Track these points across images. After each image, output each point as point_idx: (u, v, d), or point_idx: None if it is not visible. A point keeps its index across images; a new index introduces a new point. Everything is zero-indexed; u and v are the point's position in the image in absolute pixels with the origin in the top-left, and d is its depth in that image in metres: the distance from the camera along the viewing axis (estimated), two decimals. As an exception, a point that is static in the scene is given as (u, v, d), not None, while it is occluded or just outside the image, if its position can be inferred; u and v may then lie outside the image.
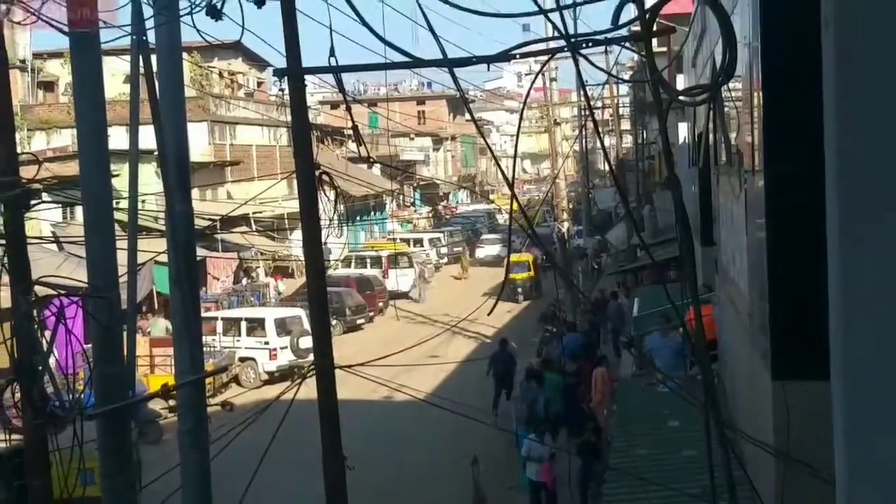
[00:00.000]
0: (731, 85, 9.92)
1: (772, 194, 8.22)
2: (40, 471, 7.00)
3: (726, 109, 11.74)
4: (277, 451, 9.52)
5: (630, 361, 21.31)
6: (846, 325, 2.48)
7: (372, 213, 66.56)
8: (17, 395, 6.82)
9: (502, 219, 71.63)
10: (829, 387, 2.54)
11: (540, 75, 37.99)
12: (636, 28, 6.02)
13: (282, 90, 9.59)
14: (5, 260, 6.84)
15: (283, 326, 32.49)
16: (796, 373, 7.71)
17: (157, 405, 23.58)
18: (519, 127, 8.53)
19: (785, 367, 8.01)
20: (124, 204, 8.23)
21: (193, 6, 7.41)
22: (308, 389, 9.43)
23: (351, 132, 10.12)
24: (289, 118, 9.45)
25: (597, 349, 26.15)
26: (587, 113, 45.21)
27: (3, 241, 6.92)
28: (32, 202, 7.01)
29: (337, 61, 8.17)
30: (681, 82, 25.86)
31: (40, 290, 6.98)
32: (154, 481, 9.56)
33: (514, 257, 41.91)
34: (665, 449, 13.23)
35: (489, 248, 58.47)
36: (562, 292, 34.14)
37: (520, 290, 44.37)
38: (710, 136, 15.99)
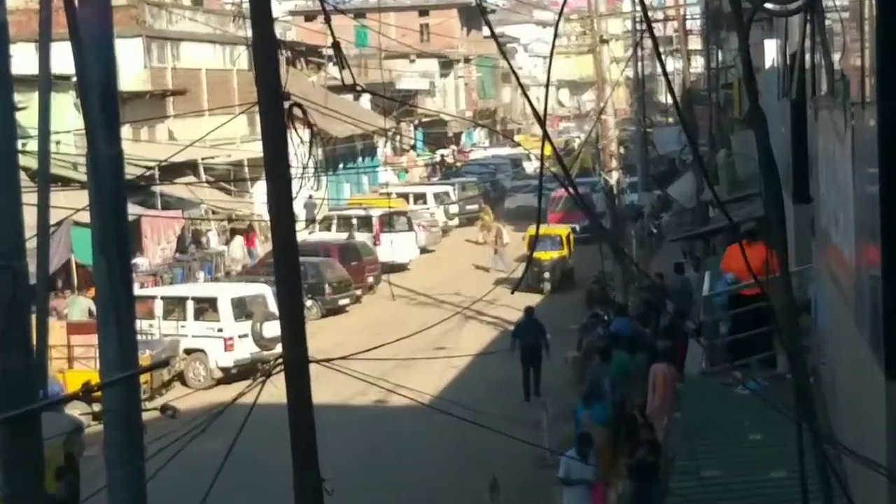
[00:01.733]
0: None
1: (887, 134, 8.18)
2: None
3: (828, 22, 11.69)
4: (235, 469, 9.56)
5: (699, 355, 21.31)
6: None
7: (360, 159, 66.53)
8: None
9: (531, 167, 71.64)
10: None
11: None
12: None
13: (240, -5, 9.58)
14: None
15: (241, 308, 32.56)
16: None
17: (76, 409, 23.66)
18: (553, 45, 8.51)
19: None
20: (33, 146, 8.23)
21: None
22: (275, 390, 9.45)
23: (331, 52, 10.09)
24: (249, 33, 9.43)
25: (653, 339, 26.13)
26: (644, 27, 45.00)
27: None
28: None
29: (313, -43, 8.16)
30: (768, -14, 25.73)
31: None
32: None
33: (543, 229, 40.44)
34: (743, 470, 13.29)
35: (521, 198, 58.37)
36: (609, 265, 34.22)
37: (546, 274, 42.08)
38: (807, 57, 15.93)
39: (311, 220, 43.47)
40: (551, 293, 41.22)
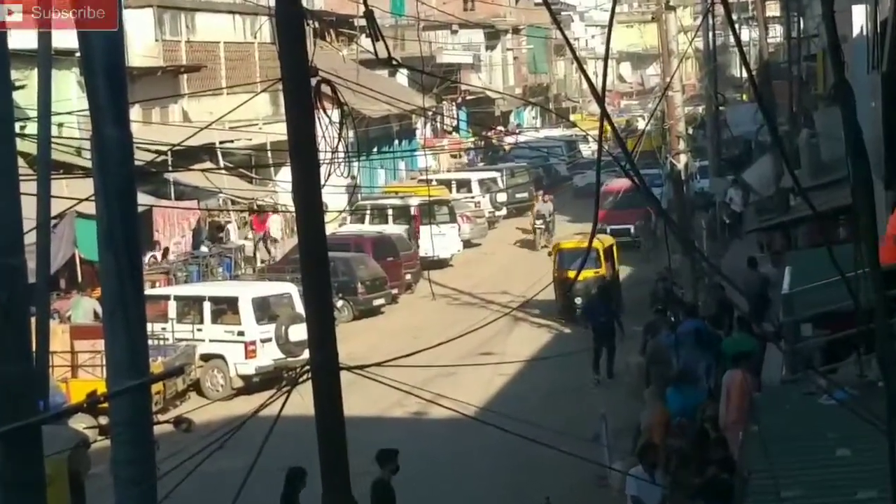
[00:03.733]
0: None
1: None
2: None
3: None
4: (257, 488, 9.61)
5: (779, 361, 21.27)
6: None
7: (396, 142, 66.61)
8: None
9: (589, 149, 71.51)
10: None
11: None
12: None
13: (262, -41, 9.61)
14: None
15: (265, 309, 32.66)
16: None
17: (81, 423, 23.82)
18: (612, 13, 8.51)
19: None
20: (32, 129, 8.29)
21: None
22: (302, 400, 9.50)
23: (364, 23, 10.12)
24: (272, 2, 9.47)
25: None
26: (715, -8, 44.90)
27: None
28: None
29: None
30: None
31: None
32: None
33: (575, 242, 38.46)
34: (829, 490, 13.25)
35: (592, 175, 57.85)
36: (677, 259, 34.10)
37: (579, 298, 36.07)
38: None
39: (351, 210, 43.68)
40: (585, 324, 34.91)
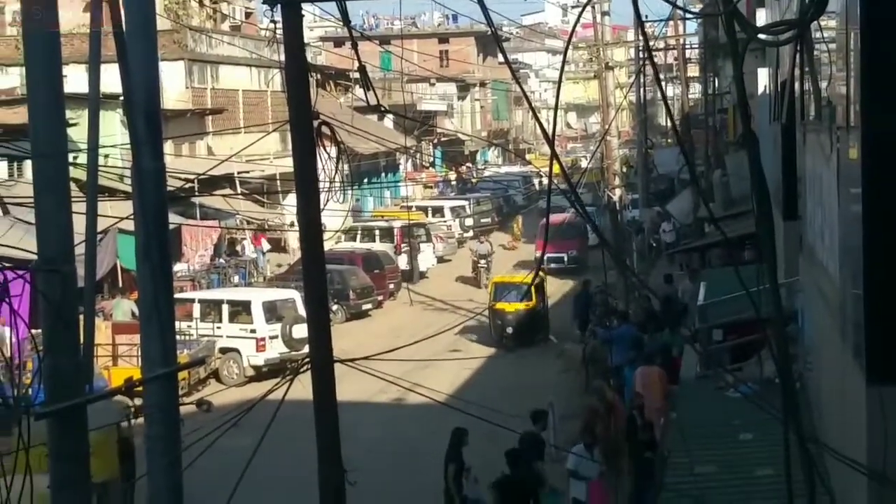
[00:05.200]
0: (822, 22, 9.86)
1: (870, 157, 8.17)
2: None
3: (816, 52, 11.67)
4: (264, 460, 9.57)
5: (694, 360, 21.28)
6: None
7: (383, 174, 66.58)
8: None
9: (541, 183, 71.55)
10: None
11: (589, 7, 37.86)
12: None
13: (274, 23, 9.60)
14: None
15: (273, 311, 32.62)
16: (896, 376, 7.70)
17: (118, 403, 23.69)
18: (562, 72, 8.51)
19: (883, 369, 7.98)
20: (82, 159, 8.26)
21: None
22: (302, 388, 9.46)
23: (358, 75, 10.11)
24: (282, 57, 9.45)
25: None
26: (646, 55, 45.02)
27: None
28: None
29: (341, -12, 8.16)
30: (761, 18, 25.74)
31: (-21, 263, 7.03)
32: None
33: (508, 277, 38.07)
34: (734, 467, 13.26)
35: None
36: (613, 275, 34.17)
37: (510, 329, 34.34)
38: (797, 85, 15.91)
39: (336, 231, 43.55)
40: (515, 349, 34.00)
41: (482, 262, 45.30)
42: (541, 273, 35.59)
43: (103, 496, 16.40)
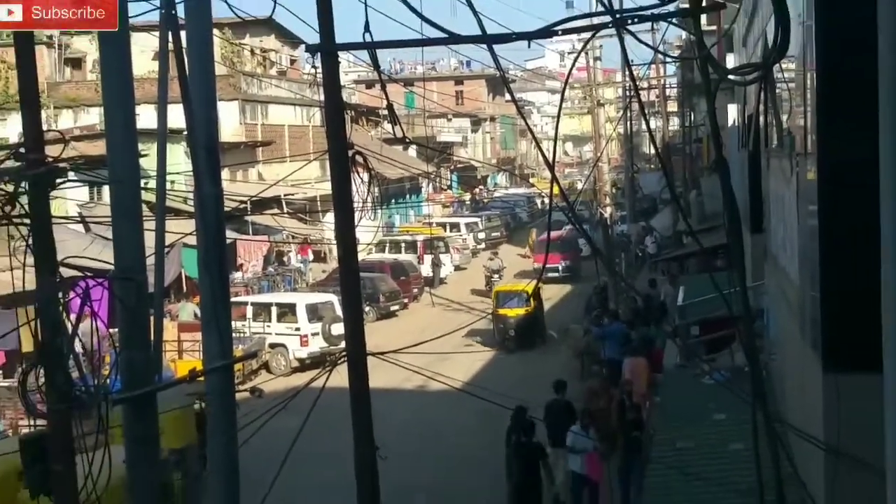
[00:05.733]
0: (783, 65, 9.84)
1: (824, 179, 8.15)
2: (63, 457, 7.07)
3: (778, 90, 11.65)
4: (307, 439, 9.57)
5: (675, 352, 21.22)
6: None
7: (407, 196, 66.63)
8: (42, 380, 6.89)
9: (542, 202, 71.47)
10: (882, 379, 2.51)
11: (583, 53, 37.78)
12: (684, 4, 5.97)
13: (315, 68, 9.60)
14: (30, 240, 6.90)
15: (314, 312, 32.64)
16: (848, 365, 7.66)
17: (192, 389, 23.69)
18: (560, 108, 8.51)
19: (837, 359, 7.95)
20: (152, 184, 8.28)
21: (224, -20, 7.42)
22: (340, 377, 9.45)
23: (386, 112, 10.12)
24: (322, 97, 9.45)
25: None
26: (632, 94, 44.93)
27: (27, 221, 6.98)
28: (58, 181, 7.07)
29: (372, 37, 8.17)
30: (731, 61, 25.66)
31: (66, 272, 7.04)
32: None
33: (509, 286, 36.04)
34: (710, 443, 13.21)
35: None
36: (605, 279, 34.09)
37: (512, 332, 33.06)
38: (761, 118, 15.87)
39: (368, 244, 43.48)
40: (516, 350, 32.76)
41: (495, 276, 44.98)
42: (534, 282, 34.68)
43: (181, 461, 16.38)
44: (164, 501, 8.19)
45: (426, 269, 46.54)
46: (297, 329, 32.22)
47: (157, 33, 7.67)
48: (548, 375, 27.32)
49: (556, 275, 45.19)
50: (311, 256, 47.38)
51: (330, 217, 13.86)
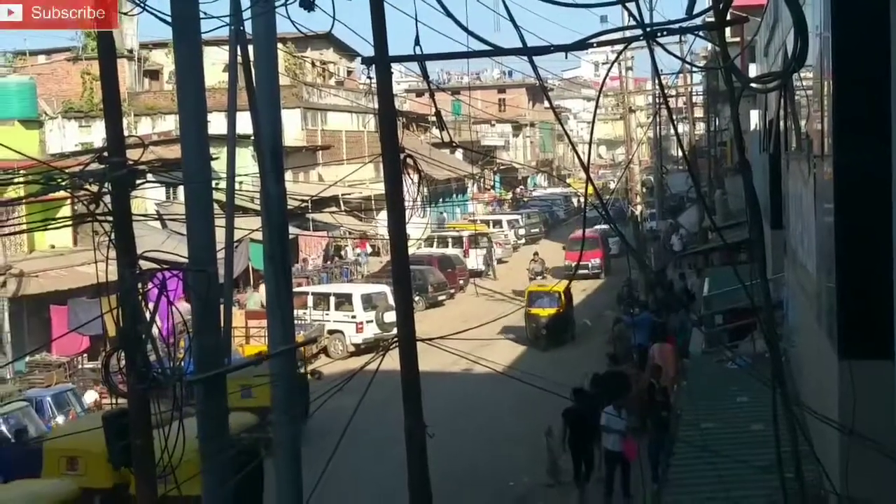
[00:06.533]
0: (801, 73, 9.73)
1: (840, 179, 8.08)
2: (143, 432, 7.16)
3: (797, 97, 11.53)
4: (362, 417, 9.61)
5: (700, 339, 21.08)
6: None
7: (454, 195, 66.64)
8: (123, 362, 6.97)
9: (577, 201, 71.22)
10: (892, 366, 2.49)
11: (616, 64, 37.56)
12: (710, 18, 5.93)
13: (370, 78, 9.62)
14: (112, 236, 6.98)
15: (369, 302, 32.76)
16: (862, 352, 7.58)
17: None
18: (595, 114, 8.48)
19: (851, 347, 7.88)
20: (223, 185, 8.34)
21: (288, -2, 7.48)
22: (392, 361, 9.48)
23: (434, 118, 10.16)
24: (376, 105, 9.48)
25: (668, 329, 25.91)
26: (661, 101, 44.56)
27: (110, 219, 7.07)
28: (138, 182, 7.17)
29: (422, 50, 8.18)
30: (753, 71, 25.42)
31: (144, 265, 7.12)
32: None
33: (541, 287, 34.60)
34: (733, 423, 13.12)
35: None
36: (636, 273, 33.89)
37: (543, 330, 31.77)
38: (781, 122, 15.71)
39: (418, 239, 43.46)
40: (547, 348, 31.21)
41: (537, 278, 44.69)
42: (565, 281, 32.97)
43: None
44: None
45: (471, 263, 46.46)
46: (353, 317, 32.36)
47: (227, 48, 7.73)
48: (577, 362, 27.35)
49: (586, 271, 44.80)
50: (369, 250, 47.55)
51: (383, 214, 13.90)
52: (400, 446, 9.65)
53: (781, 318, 16.20)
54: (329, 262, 44.03)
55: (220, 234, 7.49)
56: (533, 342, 31.83)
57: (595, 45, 6.38)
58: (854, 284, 7.94)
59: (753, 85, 6.94)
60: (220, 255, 7.50)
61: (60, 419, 22.04)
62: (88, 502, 14.01)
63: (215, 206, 7.47)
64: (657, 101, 51.24)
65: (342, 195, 43.25)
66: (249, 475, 12.99)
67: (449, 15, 6.95)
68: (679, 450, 13.20)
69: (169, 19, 7.01)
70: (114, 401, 17.99)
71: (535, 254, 47.28)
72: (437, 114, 9.83)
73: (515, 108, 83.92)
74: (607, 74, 8.90)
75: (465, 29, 6.59)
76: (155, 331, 7.02)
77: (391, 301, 29.60)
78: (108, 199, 7.22)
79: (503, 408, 23.38)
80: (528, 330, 32.36)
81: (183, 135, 7.32)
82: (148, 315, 6.92)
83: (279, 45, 8.45)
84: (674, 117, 18.91)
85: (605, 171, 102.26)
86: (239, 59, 7.71)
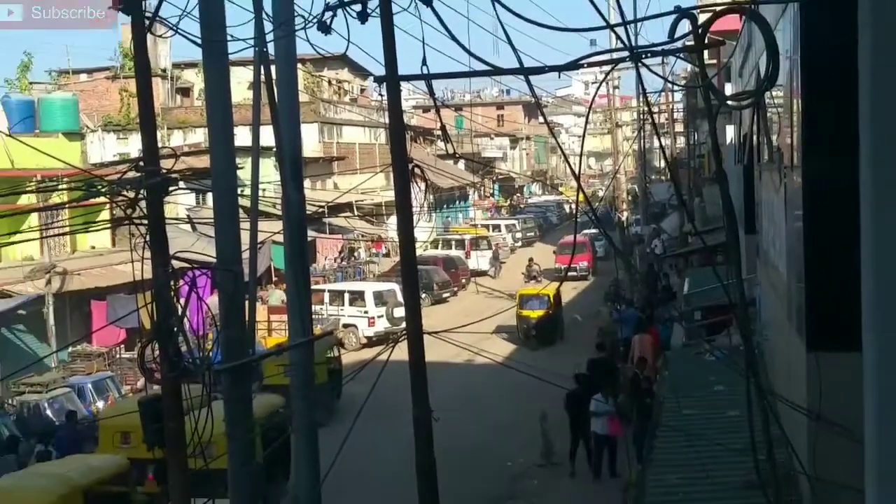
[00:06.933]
0: (773, 92, 9.72)
1: (808, 188, 8.08)
2: (175, 415, 7.17)
3: (769, 114, 11.52)
4: (374, 403, 9.60)
5: (681, 333, 21.05)
6: (876, 300, 2.43)
7: (457, 202, 66.63)
8: (157, 353, 6.98)
9: (569, 208, 71.26)
10: (857, 357, 2.49)
11: (604, 83, 37.60)
12: (690, 42, 5.93)
13: (381, 95, 9.61)
14: (147, 238, 7.00)
15: (380, 298, 32.77)
16: (828, 344, 7.58)
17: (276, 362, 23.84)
18: (585, 128, 8.48)
19: (818, 340, 7.88)
20: (247, 192, 8.35)
21: (307, 23, 7.51)
22: (401, 352, 9.47)
23: (440, 132, 10.12)
24: (387, 120, 9.48)
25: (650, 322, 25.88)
26: (646, 116, 44.63)
27: (145, 222, 7.08)
28: (170, 189, 7.16)
29: (428, 70, 8.17)
30: (729, 89, 25.39)
31: (176, 264, 7.13)
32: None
33: (531, 290, 34.10)
34: (711, 410, 13.09)
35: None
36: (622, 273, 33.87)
37: (533, 331, 31.17)
38: (754, 137, 15.70)
39: (424, 242, 43.47)
40: (537, 347, 30.32)
41: (531, 281, 44.53)
42: (554, 284, 32.74)
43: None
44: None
45: (472, 263, 46.48)
46: (366, 312, 32.39)
47: (251, 68, 7.74)
48: (566, 359, 27.29)
49: (574, 273, 44.62)
50: (384, 250, 47.55)
51: (393, 219, 13.89)
52: (409, 427, 9.64)
53: (755, 315, 16.17)
54: (344, 262, 44.03)
55: (244, 237, 7.49)
56: (524, 342, 31.33)
57: (585, 65, 6.38)
58: (821, 283, 7.94)
59: (729, 102, 6.95)
60: (245, 255, 7.51)
61: (101, 404, 22.53)
62: (141, 472, 14.22)
63: (241, 211, 7.48)
64: (642, 116, 51.29)
65: (356, 201, 43.26)
66: (279, 448, 13.07)
67: (453, 38, 6.96)
68: (662, 433, 13.18)
69: (199, 42, 7.02)
70: (148, 387, 18.06)
71: (531, 259, 47.24)
72: (442, 128, 9.81)
73: (513, 122, 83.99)
74: (596, 92, 8.89)
75: (468, 51, 6.60)
76: (186, 324, 7.03)
77: (400, 298, 29.62)
78: (143, 204, 7.22)
79: (501, 396, 23.37)
80: (519, 330, 31.91)
81: (212, 146, 7.33)
82: (179, 310, 6.93)
83: (298, 66, 8.45)
84: (657, 132, 18.91)
85: (594, 180, 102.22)
86: (262, 78, 7.73)
